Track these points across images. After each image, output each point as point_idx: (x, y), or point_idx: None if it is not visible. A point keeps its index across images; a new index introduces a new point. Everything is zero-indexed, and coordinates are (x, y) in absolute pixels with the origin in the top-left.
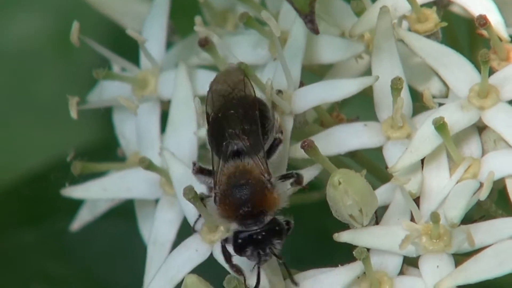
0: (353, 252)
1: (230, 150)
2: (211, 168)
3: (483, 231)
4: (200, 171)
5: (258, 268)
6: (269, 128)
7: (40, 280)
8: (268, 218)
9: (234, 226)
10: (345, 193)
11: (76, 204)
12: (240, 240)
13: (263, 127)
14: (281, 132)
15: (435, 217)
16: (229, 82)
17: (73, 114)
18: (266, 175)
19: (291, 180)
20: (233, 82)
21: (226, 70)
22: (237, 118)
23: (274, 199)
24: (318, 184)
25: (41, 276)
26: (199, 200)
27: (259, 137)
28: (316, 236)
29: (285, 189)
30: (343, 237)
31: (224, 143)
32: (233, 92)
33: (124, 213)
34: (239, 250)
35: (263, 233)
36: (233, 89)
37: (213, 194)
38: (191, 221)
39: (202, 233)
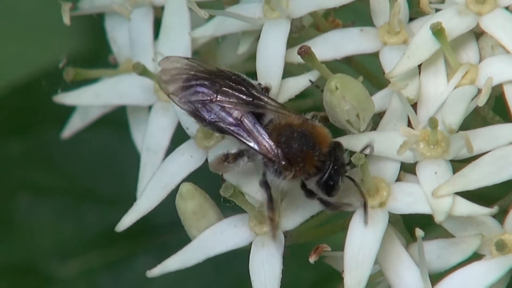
0: (351, 158)
1: (252, 121)
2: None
3: (481, 137)
4: (234, 158)
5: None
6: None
7: (26, 190)
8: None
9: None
10: (342, 98)
11: (64, 114)
12: (331, 183)
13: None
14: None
15: (433, 122)
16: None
17: (66, 20)
18: (299, 116)
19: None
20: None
21: (169, 61)
22: (231, 88)
23: (322, 130)
24: (312, 91)
25: (27, 186)
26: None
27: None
28: None
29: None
30: (341, 142)
31: (242, 119)
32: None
33: (114, 123)
34: (336, 190)
35: (337, 163)
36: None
37: (275, 168)
38: (185, 126)
39: (197, 139)
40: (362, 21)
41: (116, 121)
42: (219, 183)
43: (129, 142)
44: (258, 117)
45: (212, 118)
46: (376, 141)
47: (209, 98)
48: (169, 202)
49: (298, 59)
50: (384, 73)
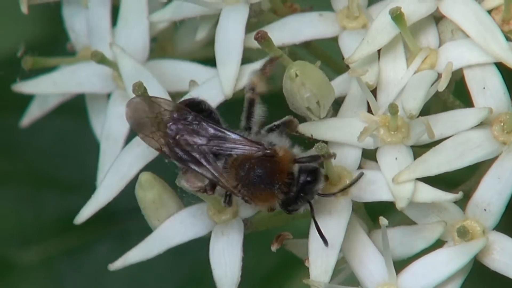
0: (314, 148)
1: (212, 161)
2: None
3: (442, 122)
4: (211, 189)
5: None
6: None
7: None
8: (296, 171)
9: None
10: (302, 85)
11: (23, 102)
12: (291, 210)
13: (211, 113)
14: (252, 90)
15: (393, 108)
16: (142, 113)
17: (23, 8)
18: (258, 147)
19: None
20: (146, 112)
21: (131, 110)
22: (190, 133)
23: (286, 157)
24: (271, 76)
25: None
26: (149, 97)
27: (219, 128)
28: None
29: (281, 136)
30: (301, 129)
31: (201, 159)
32: (157, 117)
33: (73, 110)
34: (293, 211)
35: (303, 189)
36: (153, 113)
37: (240, 198)
38: None
39: None
40: (321, 6)
41: (75, 109)
42: (177, 172)
43: (88, 129)
44: (217, 155)
45: (174, 157)
46: (336, 128)
47: (170, 141)
48: (128, 188)
49: (257, 44)
50: (343, 58)
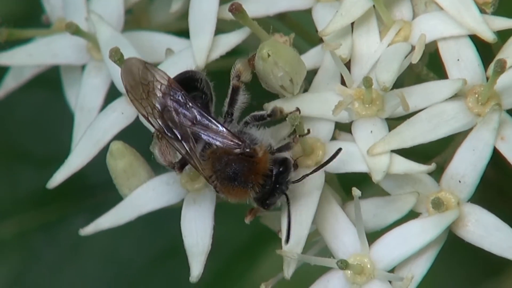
0: (286, 119)
1: (192, 143)
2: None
3: (416, 95)
4: (181, 167)
5: (289, 207)
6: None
7: None
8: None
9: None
10: (275, 64)
11: None
12: (268, 204)
13: (203, 95)
14: (237, 77)
15: (367, 81)
16: (137, 78)
17: None
18: (239, 144)
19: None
20: (139, 76)
21: (126, 69)
22: (176, 111)
23: (264, 157)
24: (245, 49)
25: None
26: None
27: (205, 114)
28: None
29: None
30: (272, 105)
31: (182, 139)
32: (148, 85)
33: (48, 82)
34: (271, 205)
35: (277, 182)
36: (145, 80)
37: (212, 188)
38: (118, 84)
39: None
40: None
41: (51, 81)
42: (150, 141)
43: (63, 102)
44: (197, 140)
45: (156, 127)
46: (310, 102)
47: (156, 112)
48: (103, 161)
49: (230, 16)
50: (317, 30)
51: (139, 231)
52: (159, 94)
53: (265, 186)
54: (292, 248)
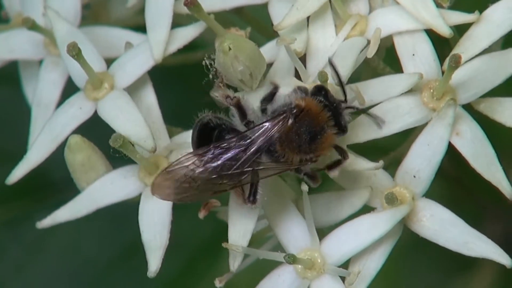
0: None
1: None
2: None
3: (373, 89)
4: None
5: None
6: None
7: None
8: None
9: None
10: (235, 58)
11: None
12: (344, 126)
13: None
14: (227, 98)
15: (322, 76)
16: (174, 184)
17: None
18: (285, 116)
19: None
20: (172, 182)
21: (160, 191)
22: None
23: (308, 100)
24: (202, 43)
25: None
26: (82, 56)
27: (243, 135)
28: (199, 93)
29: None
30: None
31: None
32: (185, 176)
33: (7, 78)
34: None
35: (331, 103)
36: (182, 177)
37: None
38: (75, 79)
39: (86, 90)
40: None
41: (10, 77)
42: (108, 135)
43: (23, 97)
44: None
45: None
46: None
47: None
48: None
49: (186, 10)
50: (272, 24)
51: (103, 228)
52: (200, 170)
53: (333, 115)
54: (238, 240)
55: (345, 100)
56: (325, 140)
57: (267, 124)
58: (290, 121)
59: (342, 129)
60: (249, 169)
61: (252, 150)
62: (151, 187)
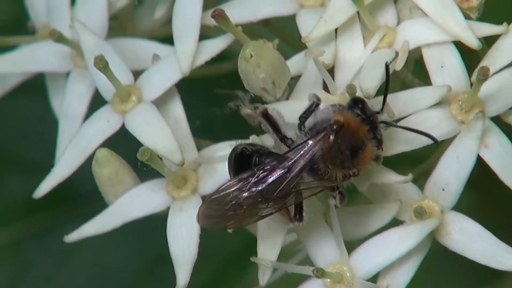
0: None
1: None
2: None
3: (401, 101)
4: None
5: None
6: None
7: None
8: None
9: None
10: (257, 66)
11: None
12: (380, 139)
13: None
14: (255, 109)
15: (351, 89)
16: (220, 213)
17: None
18: (325, 133)
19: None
20: (218, 209)
21: (206, 221)
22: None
23: (346, 115)
24: (229, 54)
25: None
26: (110, 69)
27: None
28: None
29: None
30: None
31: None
32: (231, 203)
33: (35, 89)
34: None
35: (367, 116)
36: (226, 205)
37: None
38: (102, 92)
39: (114, 103)
40: None
41: (38, 88)
42: (136, 149)
43: (50, 109)
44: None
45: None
46: (293, 110)
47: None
48: None
49: (214, 22)
50: (300, 36)
51: (130, 239)
52: (245, 194)
53: (371, 128)
54: (266, 254)
55: (380, 111)
56: (367, 154)
57: (308, 142)
58: (331, 138)
59: (379, 142)
60: (294, 190)
61: (296, 170)
62: (197, 217)
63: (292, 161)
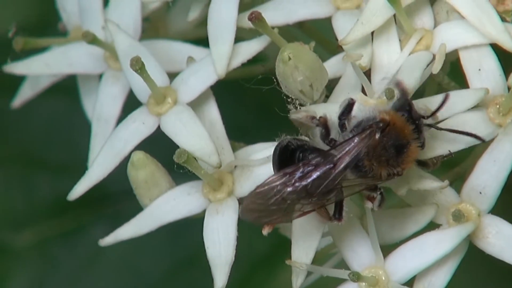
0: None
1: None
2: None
3: (438, 104)
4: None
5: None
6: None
7: None
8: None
9: None
10: (295, 68)
11: (15, 83)
12: (423, 142)
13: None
14: (312, 119)
15: (389, 93)
16: (263, 207)
17: None
18: (371, 130)
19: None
20: (262, 204)
21: (249, 214)
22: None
23: (392, 114)
24: (263, 56)
25: None
26: (146, 71)
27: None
28: (259, 109)
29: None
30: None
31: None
32: (275, 197)
33: (65, 91)
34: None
35: (413, 119)
36: (270, 199)
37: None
38: (137, 94)
39: (149, 105)
40: None
41: (67, 89)
42: (172, 151)
43: (80, 110)
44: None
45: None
46: (330, 112)
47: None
48: (122, 170)
49: (249, 24)
50: (336, 39)
51: (158, 241)
52: (289, 189)
53: (416, 128)
54: (301, 258)
55: (426, 117)
56: (411, 153)
57: (354, 139)
58: (377, 135)
59: (421, 144)
60: (338, 186)
61: (341, 167)
62: (241, 211)
63: (338, 157)
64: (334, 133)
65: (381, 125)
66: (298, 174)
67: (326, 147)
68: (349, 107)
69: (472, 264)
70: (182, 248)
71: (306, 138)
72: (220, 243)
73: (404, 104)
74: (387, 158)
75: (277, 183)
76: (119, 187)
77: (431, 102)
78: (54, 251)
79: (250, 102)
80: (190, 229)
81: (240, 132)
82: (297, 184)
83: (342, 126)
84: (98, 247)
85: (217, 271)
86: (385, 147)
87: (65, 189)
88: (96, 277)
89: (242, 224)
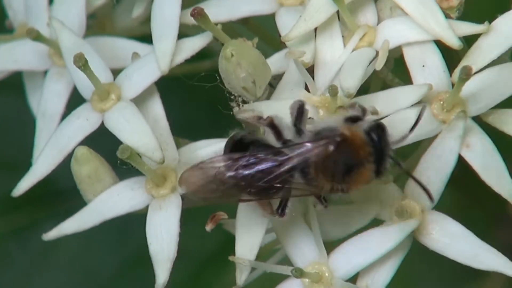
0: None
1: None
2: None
3: (382, 101)
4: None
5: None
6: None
7: None
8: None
9: None
10: (238, 65)
11: None
12: (382, 171)
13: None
14: (259, 119)
15: (333, 90)
16: (201, 182)
17: None
18: (327, 142)
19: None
20: (200, 179)
21: (187, 183)
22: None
23: (354, 132)
24: (208, 52)
25: None
26: (89, 67)
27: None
28: (209, 106)
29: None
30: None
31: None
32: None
33: (12, 88)
34: (384, 171)
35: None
36: (209, 177)
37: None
38: (81, 90)
39: (93, 101)
40: None
41: (14, 86)
42: (116, 147)
43: (27, 107)
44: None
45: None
46: (275, 109)
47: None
48: None
49: (193, 20)
50: (280, 35)
51: (108, 238)
52: (230, 173)
53: (375, 152)
54: (245, 254)
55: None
56: (361, 176)
57: (307, 145)
58: (331, 148)
59: (378, 172)
60: (279, 185)
61: (286, 167)
62: (179, 179)
63: (286, 157)
64: (287, 133)
65: (338, 139)
66: (242, 161)
67: (278, 146)
68: (300, 109)
69: (419, 263)
70: (132, 245)
71: (260, 135)
72: (163, 239)
73: (378, 127)
74: (333, 172)
75: (220, 164)
76: (72, 184)
77: (375, 99)
78: (6, 247)
79: (200, 99)
80: (140, 225)
81: (189, 129)
82: (240, 171)
83: (299, 131)
84: (50, 243)
85: (159, 267)
86: (335, 162)
87: (16, 186)
88: (49, 273)
89: (193, 221)
